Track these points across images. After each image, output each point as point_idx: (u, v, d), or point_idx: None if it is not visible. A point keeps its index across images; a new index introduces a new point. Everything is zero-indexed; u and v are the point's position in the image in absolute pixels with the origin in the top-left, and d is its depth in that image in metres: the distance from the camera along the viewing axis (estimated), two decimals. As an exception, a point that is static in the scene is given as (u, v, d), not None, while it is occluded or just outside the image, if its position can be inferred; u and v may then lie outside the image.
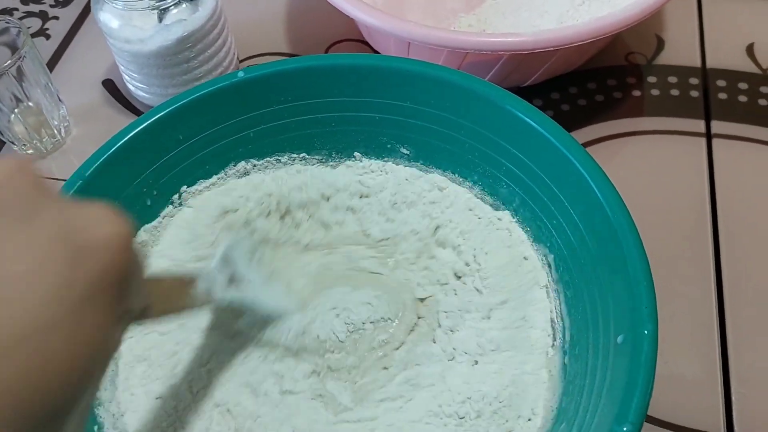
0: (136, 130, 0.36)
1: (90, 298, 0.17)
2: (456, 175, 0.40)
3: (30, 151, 0.49)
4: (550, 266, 0.36)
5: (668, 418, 0.36)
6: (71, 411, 0.17)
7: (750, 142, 0.47)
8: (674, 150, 0.47)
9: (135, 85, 0.49)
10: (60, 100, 0.49)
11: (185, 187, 0.39)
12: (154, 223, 0.39)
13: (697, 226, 0.43)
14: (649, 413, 0.36)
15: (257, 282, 0.34)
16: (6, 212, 0.16)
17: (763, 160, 0.46)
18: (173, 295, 0.29)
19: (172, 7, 0.45)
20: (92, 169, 0.34)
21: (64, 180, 0.35)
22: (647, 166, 0.46)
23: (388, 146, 0.41)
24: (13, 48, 0.46)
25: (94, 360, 0.17)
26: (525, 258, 0.37)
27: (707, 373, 0.38)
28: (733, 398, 0.37)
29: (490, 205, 0.39)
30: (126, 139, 0.36)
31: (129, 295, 0.20)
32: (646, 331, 0.28)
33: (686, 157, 0.46)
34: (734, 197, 0.44)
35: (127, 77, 0.49)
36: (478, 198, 0.39)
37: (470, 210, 0.39)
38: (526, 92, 0.49)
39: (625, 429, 0.26)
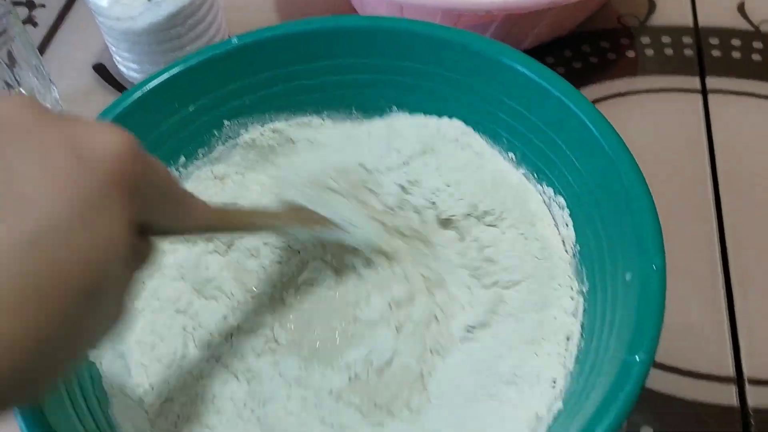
0: (132, 99, 0.36)
1: (100, 204, 0.17)
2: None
3: (23, 136, 0.48)
4: (561, 207, 0.35)
5: (680, 365, 0.36)
6: (85, 333, 0.17)
7: (745, 96, 0.47)
8: (671, 107, 0.47)
9: (126, 66, 0.49)
10: (52, 82, 0.49)
11: (183, 158, 0.39)
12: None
13: (697, 177, 0.43)
14: (661, 361, 0.36)
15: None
16: (15, 129, 0.17)
17: (757, 112, 0.46)
18: (226, 215, 0.28)
19: (162, -17, 0.45)
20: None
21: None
22: (645, 123, 0.46)
23: (385, 106, 0.40)
24: (1, 32, 0.46)
25: (109, 271, 0.17)
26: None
27: (714, 319, 0.38)
28: (741, 342, 0.37)
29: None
30: (121, 109, 0.35)
31: (148, 205, 0.20)
32: (654, 266, 0.28)
33: (683, 112, 0.46)
34: (732, 148, 0.44)
35: (118, 57, 0.49)
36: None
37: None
38: (520, 56, 0.48)
39: (638, 358, 0.26)
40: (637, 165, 0.31)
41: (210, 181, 0.40)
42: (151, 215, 0.20)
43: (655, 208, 0.29)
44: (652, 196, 0.30)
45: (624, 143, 0.32)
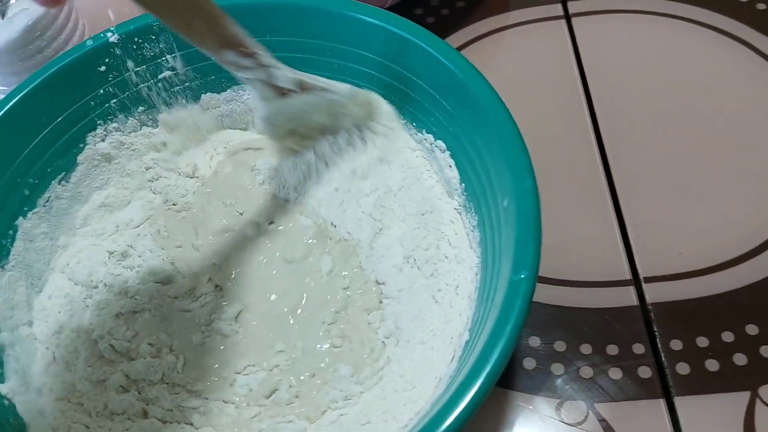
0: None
1: None
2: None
3: None
4: (442, 151, 0.37)
5: (581, 278, 0.38)
6: None
7: (605, 14, 0.49)
8: (541, 36, 0.49)
9: (-7, 89, 0.47)
10: None
11: (64, 172, 0.38)
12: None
13: (572, 98, 0.45)
14: (561, 277, 0.38)
15: None
16: None
17: (619, 27, 0.48)
18: None
19: (10, -2, 0.43)
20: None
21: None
22: (518, 55, 0.48)
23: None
24: None
25: None
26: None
27: (606, 230, 0.40)
28: (632, 245, 0.39)
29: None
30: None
31: None
32: (525, 187, 0.29)
33: (552, 40, 0.48)
34: (600, 65, 0.46)
35: (-18, 83, 0.47)
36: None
37: None
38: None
39: (522, 276, 0.27)
40: (498, 97, 0.32)
41: None
42: None
43: (519, 134, 0.31)
44: (515, 123, 0.31)
45: (485, 80, 0.33)
